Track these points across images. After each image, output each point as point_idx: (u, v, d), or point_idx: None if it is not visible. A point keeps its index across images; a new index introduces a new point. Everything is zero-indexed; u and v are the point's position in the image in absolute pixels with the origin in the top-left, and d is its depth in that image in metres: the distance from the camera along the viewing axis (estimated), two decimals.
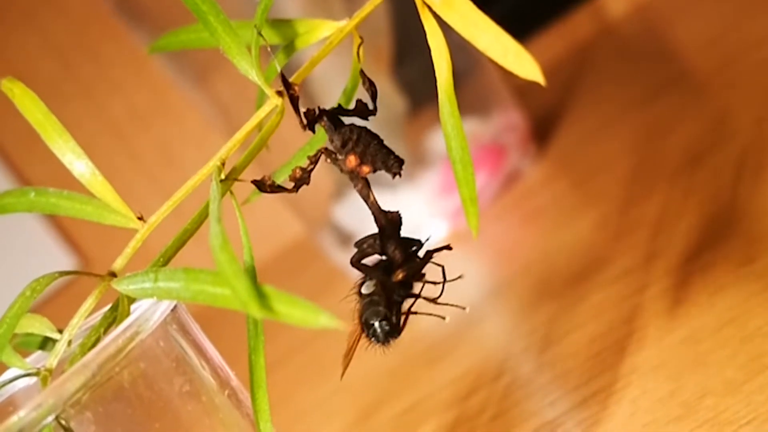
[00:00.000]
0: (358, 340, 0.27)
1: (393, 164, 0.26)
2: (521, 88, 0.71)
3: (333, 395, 0.50)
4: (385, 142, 0.27)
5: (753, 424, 0.27)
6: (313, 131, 0.27)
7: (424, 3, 0.25)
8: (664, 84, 0.66)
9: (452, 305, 0.27)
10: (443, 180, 0.63)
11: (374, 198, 0.27)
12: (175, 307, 0.26)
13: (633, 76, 0.74)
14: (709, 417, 0.29)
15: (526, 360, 0.41)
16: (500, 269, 0.54)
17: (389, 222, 0.27)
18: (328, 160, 0.27)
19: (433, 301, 0.27)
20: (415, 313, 0.27)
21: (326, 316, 0.20)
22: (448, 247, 0.27)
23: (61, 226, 1.01)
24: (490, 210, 0.63)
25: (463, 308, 0.28)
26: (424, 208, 0.63)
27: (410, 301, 0.27)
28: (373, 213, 0.27)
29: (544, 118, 0.74)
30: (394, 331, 0.27)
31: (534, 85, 0.24)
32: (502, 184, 0.65)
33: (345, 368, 0.28)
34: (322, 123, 0.27)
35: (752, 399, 0.28)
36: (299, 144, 0.29)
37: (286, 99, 0.26)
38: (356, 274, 0.27)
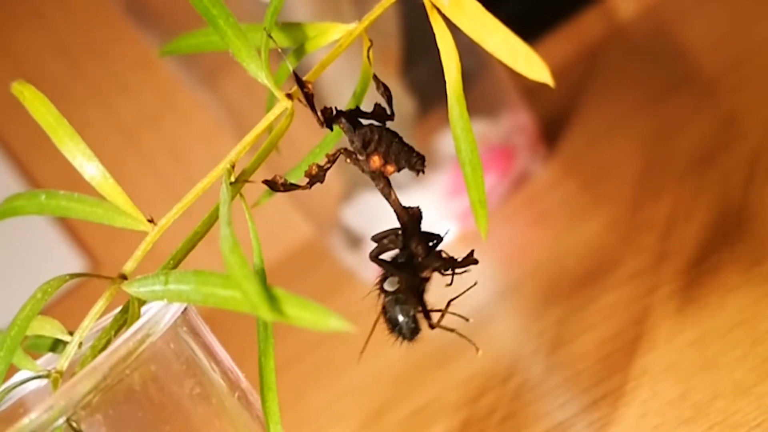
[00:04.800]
0: (374, 328, 0.27)
1: (416, 162, 0.27)
2: (530, 90, 0.71)
3: (343, 397, 0.50)
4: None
5: (763, 427, 0.27)
6: (331, 129, 0.27)
7: (433, 5, 0.25)
8: (673, 85, 0.66)
9: (458, 315, 0.27)
10: (452, 181, 0.63)
11: (396, 196, 0.27)
12: (186, 309, 0.26)
13: (642, 77, 0.74)
14: (720, 419, 0.29)
15: (536, 362, 0.40)
16: (510, 271, 0.54)
17: (411, 218, 0.27)
18: (348, 161, 0.27)
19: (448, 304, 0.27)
20: (444, 311, 0.27)
21: (336, 318, 0.20)
22: (474, 261, 0.27)
23: (71, 228, 1.01)
24: (500, 211, 0.63)
25: (467, 319, 0.28)
26: (433, 210, 0.63)
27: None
28: (395, 211, 0.27)
29: (553, 119, 0.74)
30: (419, 328, 0.27)
31: (543, 86, 0.24)
32: (512, 186, 0.65)
33: (363, 349, 0.28)
34: (341, 124, 0.27)
35: (763, 401, 0.28)
36: (309, 146, 0.29)
37: (297, 100, 0.26)
38: (365, 275, 0.27)
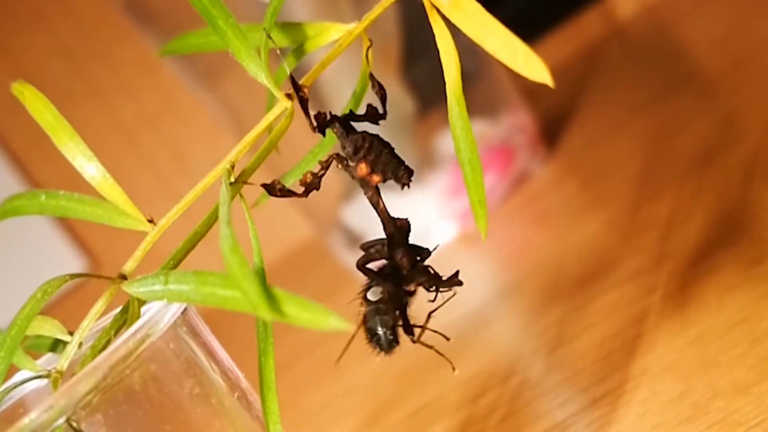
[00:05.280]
0: (353, 337, 0.27)
1: (403, 174, 0.27)
2: (530, 89, 0.71)
3: (343, 397, 0.50)
4: (395, 146, 0.27)
5: (763, 426, 0.27)
6: (323, 134, 0.27)
7: (433, 5, 0.25)
8: (673, 85, 0.66)
9: (438, 332, 0.27)
10: (452, 181, 0.63)
11: (384, 205, 0.27)
12: (185, 309, 0.26)
13: (642, 77, 0.74)
14: (719, 418, 0.29)
15: (535, 361, 0.41)
16: (510, 271, 0.54)
17: (398, 229, 0.27)
18: (340, 166, 0.27)
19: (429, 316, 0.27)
20: (423, 327, 0.27)
21: (336, 318, 0.20)
22: (459, 283, 0.27)
23: (71, 228, 1.01)
24: (500, 211, 0.63)
25: (447, 338, 0.28)
26: (433, 210, 0.63)
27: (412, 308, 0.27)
28: (382, 220, 0.27)
29: (553, 119, 0.74)
30: (398, 340, 0.27)
31: (543, 86, 0.24)
32: (511, 186, 0.65)
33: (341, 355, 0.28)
34: (334, 129, 0.27)
35: (762, 400, 0.28)
36: (309, 146, 0.29)
37: (296, 101, 0.26)
38: (364, 277, 0.27)
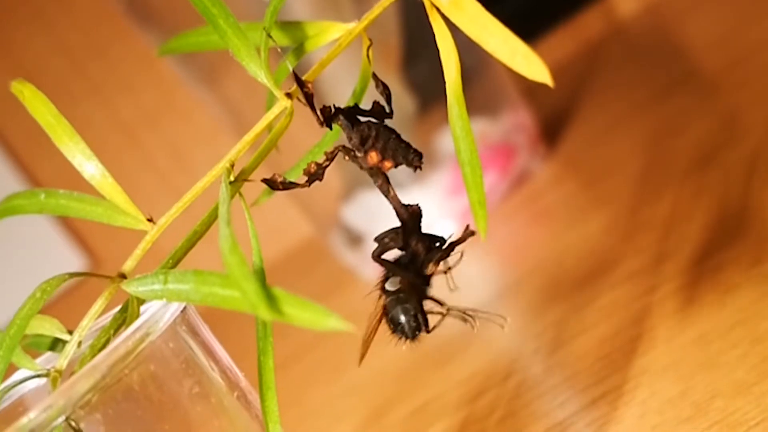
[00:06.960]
0: (376, 329, 0.27)
1: (413, 158, 0.27)
2: (530, 88, 0.71)
3: (342, 396, 0.50)
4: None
5: (762, 426, 0.27)
6: (330, 128, 0.27)
7: (433, 5, 0.25)
8: (673, 84, 0.66)
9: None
10: (452, 180, 0.63)
11: (395, 193, 0.27)
12: (185, 308, 0.26)
13: (642, 76, 0.74)
14: (719, 418, 0.29)
15: (535, 361, 0.40)
16: (510, 270, 0.54)
17: (410, 215, 0.27)
18: (347, 158, 0.27)
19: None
20: (446, 312, 0.27)
21: (335, 318, 0.20)
22: (471, 233, 0.27)
23: (71, 226, 1.01)
24: (500, 210, 0.63)
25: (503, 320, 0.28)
26: (433, 209, 0.63)
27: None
28: (394, 208, 0.27)
29: (553, 118, 0.74)
30: (421, 327, 0.27)
31: (543, 85, 0.24)
32: (512, 185, 0.65)
33: (363, 355, 0.28)
34: (339, 121, 0.27)
35: (762, 400, 0.28)
36: (309, 145, 0.29)
37: (296, 100, 0.26)
38: (364, 274, 0.27)
